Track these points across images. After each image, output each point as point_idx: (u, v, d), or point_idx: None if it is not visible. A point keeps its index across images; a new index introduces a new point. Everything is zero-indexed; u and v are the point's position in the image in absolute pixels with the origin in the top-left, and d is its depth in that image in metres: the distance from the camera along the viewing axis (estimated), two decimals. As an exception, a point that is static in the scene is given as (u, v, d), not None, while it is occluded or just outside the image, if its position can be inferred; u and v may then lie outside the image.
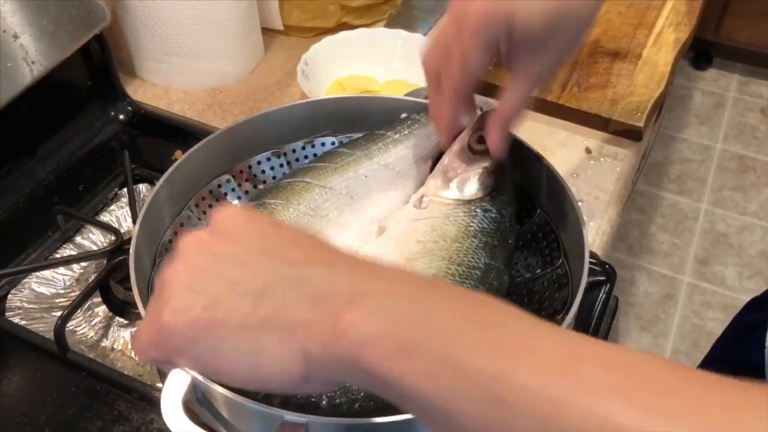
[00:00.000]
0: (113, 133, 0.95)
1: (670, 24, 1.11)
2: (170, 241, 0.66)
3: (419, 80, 0.96)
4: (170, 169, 0.64)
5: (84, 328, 0.76)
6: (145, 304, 0.55)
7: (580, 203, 0.61)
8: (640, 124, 0.94)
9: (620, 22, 1.11)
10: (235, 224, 0.40)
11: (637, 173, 0.99)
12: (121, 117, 0.96)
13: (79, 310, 0.75)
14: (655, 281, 2.19)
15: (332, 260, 0.39)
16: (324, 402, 0.50)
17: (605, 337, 0.77)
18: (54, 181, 0.89)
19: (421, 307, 0.34)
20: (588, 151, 0.93)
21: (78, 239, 0.84)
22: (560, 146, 0.94)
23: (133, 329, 0.75)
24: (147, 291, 0.60)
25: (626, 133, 0.94)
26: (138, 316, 0.75)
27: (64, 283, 0.79)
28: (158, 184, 0.63)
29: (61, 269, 0.80)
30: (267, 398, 0.50)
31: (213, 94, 1.02)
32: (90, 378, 0.70)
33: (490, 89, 0.98)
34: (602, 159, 0.92)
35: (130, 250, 0.56)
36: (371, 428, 0.48)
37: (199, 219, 0.68)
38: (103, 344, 0.74)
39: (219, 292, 0.38)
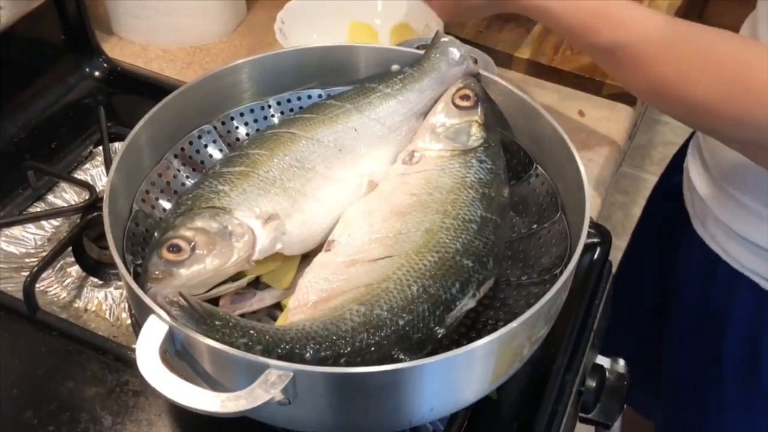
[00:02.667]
0: (88, 90, 0.90)
1: (663, -10, 1.09)
2: (147, 192, 0.62)
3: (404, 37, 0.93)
4: (151, 111, 0.61)
5: (56, 288, 0.72)
6: (119, 249, 0.51)
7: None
8: (635, 87, 0.92)
9: (613, -12, 1.08)
10: None
11: (629, 141, 0.97)
12: (97, 74, 0.92)
13: (50, 270, 0.72)
14: (637, 263, 2.18)
15: None
16: (308, 354, 0.47)
17: (599, 304, 0.74)
18: (25, 138, 0.84)
19: None
20: (581, 114, 0.91)
21: (50, 198, 0.80)
22: (552, 109, 0.91)
23: (108, 290, 0.71)
24: (123, 239, 0.56)
25: (620, 96, 0.92)
26: (114, 276, 0.72)
27: (35, 243, 0.76)
28: (138, 125, 0.59)
29: (32, 228, 0.76)
30: (249, 348, 0.46)
31: (193, 53, 0.98)
32: (61, 338, 0.66)
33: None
34: (595, 122, 0.90)
35: (106, 189, 0.53)
36: (357, 378, 0.45)
37: (179, 171, 0.65)
38: (75, 305, 0.71)
39: None
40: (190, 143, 0.66)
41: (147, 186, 0.62)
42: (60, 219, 0.77)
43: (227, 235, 0.54)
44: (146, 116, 0.60)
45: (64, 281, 0.73)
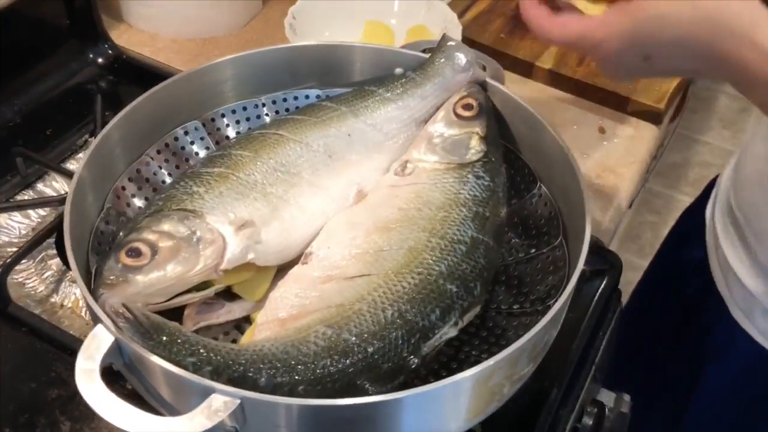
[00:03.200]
0: (90, 77, 0.88)
1: (701, 4, 1.02)
2: (123, 188, 0.59)
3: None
4: (127, 108, 0.57)
5: (34, 281, 0.69)
6: (76, 256, 0.48)
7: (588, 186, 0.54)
8: (661, 106, 0.86)
9: (648, -1, 1.03)
10: None
11: (653, 161, 0.91)
12: (100, 60, 0.89)
13: (30, 261, 0.69)
14: (664, 286, 2.10)
15: None
16: (263, 380, 0.43)
17: (603, 335, 0.69)
18: (20, 122, 0.82)
19: None
20: (602, 130, 0.85)
21: (40, 186, 0.77)
22: (572, 124, 0.86)
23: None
24: (90, 237, 0.53)
25: (645, 114, 0.87)
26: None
27: (19, 232, 0.73)
28: (111, 122, 0.56)
29: (18, 217, 0.74)
30: (197, 369, 0.43)
31: (202, 44, 0.95)
32: (30, 335, 0.63)
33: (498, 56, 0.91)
34: (616, 140, 0.84)
35: (72, 184, 0.50)
36: (311, 410, 0.41)
37: (159, 167, 0.62)
38: (52, 300, 0.68)
39: None
40: (176, 139, 0.63)
41: (123, 182, 0.59)
42: (47, 209, 0.74)
43: (195, 241, 0.51)
44: (124, 110, 0.57)
45: (43, 274, 0.70)
